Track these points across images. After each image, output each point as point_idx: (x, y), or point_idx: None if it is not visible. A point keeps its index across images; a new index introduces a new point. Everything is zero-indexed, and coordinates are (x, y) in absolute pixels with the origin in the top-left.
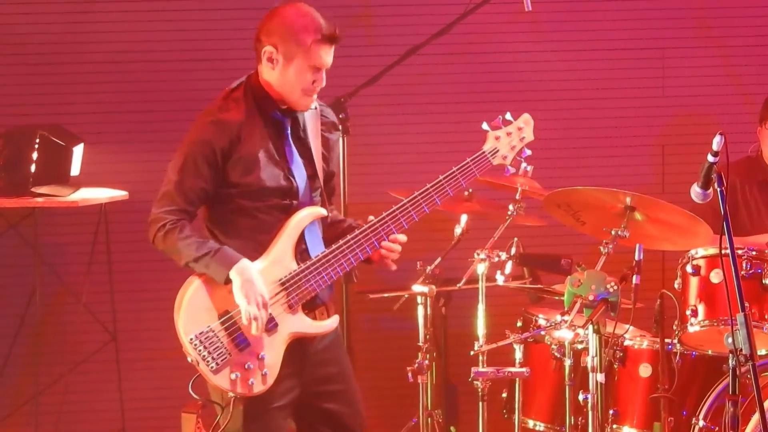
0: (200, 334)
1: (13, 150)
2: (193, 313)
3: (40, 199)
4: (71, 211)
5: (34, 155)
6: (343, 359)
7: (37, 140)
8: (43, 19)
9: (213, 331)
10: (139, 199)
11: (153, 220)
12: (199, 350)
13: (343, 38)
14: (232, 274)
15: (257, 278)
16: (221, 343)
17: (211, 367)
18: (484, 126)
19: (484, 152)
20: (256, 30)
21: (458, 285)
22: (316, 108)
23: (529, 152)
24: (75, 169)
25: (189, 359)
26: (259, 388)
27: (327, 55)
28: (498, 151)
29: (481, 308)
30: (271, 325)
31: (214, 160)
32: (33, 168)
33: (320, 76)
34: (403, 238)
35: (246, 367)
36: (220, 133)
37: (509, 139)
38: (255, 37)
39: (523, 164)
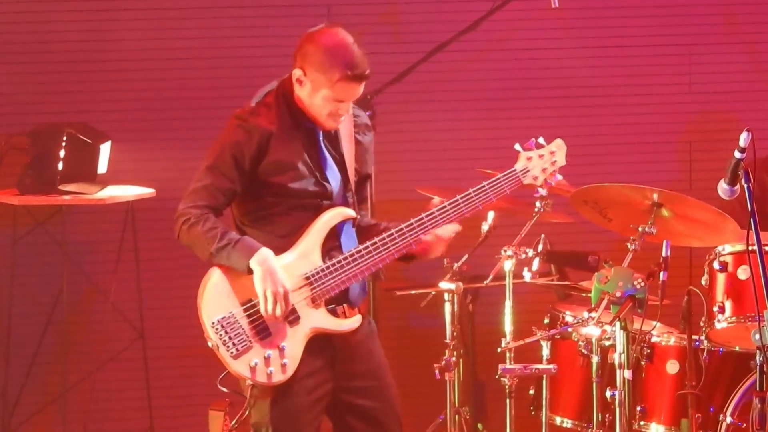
0: (222, 319)
1: (41, 148)
2: (216, 298)
3: (67, 197)
4: (99, 209)
5: (62, 153)
6: (376, 355)
7: (65, 138)
8: (70, 17)
9: (235, 317)
10: (166, 196)
11: (178, 215)
12: (221, 335)
13: (371, 75)
14: (253, 264)
15: (278, 268)
16: (243, 329)
17: (231, 353)
18: (517, 147)
19: (515, 170)
20: (298, 42)
21: (485, 282)
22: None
23: (559, 177)
24: (102, 167)
25: (209, 344)
26: (278, 377)
27: (353, 91)
28: (529, 171)
29: (508, 305)
30: (293, 318)
31: (242, 162)
32: (60, 166)
33: (345, 106)
34: (457, 228)
35: (266, 355)
36: (249, 137)
37: (541, 161)
38: (296, 47)
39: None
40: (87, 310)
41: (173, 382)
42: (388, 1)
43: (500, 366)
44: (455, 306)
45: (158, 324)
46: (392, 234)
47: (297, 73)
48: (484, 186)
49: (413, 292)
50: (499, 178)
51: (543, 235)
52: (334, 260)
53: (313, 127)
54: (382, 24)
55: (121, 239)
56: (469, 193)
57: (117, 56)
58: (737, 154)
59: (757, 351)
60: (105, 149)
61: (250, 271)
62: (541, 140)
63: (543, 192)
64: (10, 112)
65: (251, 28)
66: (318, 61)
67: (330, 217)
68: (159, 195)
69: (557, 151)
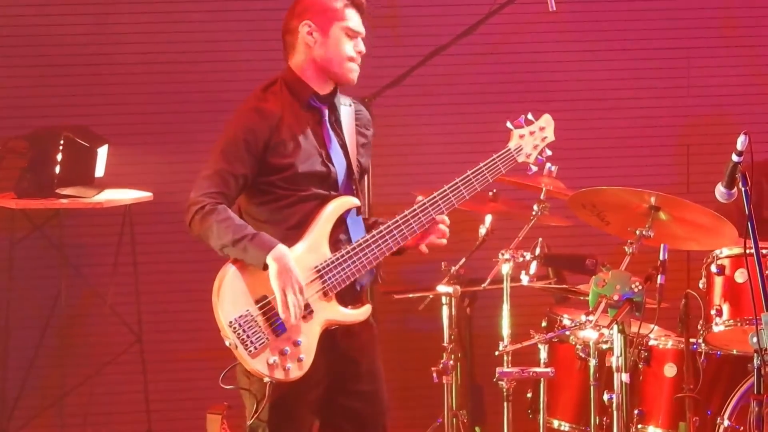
0: (239, 317)
1: (38, 151)
2: (231, 297)
3: (64, 201)
4: (96, 213)
5: (59, 156)
6: (374, 359)
7: (62, 141)
8: (68, 20)
9: (251, 315)
10: (163, 200)
11: (191, 203)
12: (239, 333)
13: (367, 8)
14: (269, 260)
15: (294, 265)
16: (259, 327)
17: (250, 351)
18: (508, 124)
19: (509, 149)
20: (283, 23)
21: (483, 285)
22: (350, 105)
23: (549, 153)
24: (100, 171)
25: (227, 343)
26: (295, 373)
27: (359, 21)
28: (522, 149)
29: (505, 308)
30: (306, 312)
31: (254, 145)
32: (58, 169)
33: (359, 42)
34: (446, 220)
35: (283, 352)
36: (260, 121)
37: (532, 138)
38: (283, 29)
39: (548, 164)
40: (85, 313)
41: (171, 385)
42: (386, 5)
43: (498, 369)
44: (453, 309)
45: (156, 327)
46: (397, 222)
47: (306, 25)
48: (481, 167)
49: (411, 295)
50: (494, 159)
51: (540, 239)
52: (343, 251)
53: (318, 107)
54: (381, 27)
55: (119, 243)
56: (468, 176)
57: (115, 60)
58: (735, 158)
59: (755, 354)
60: (102, 153)
61: (265, 267)
62: (530, 116)
63: (535, 169)
64: (8, 116)
65: (249, 32)
66: (318, 5)
67: (336, 206)
68: (156, 199)
69: (546, 127)
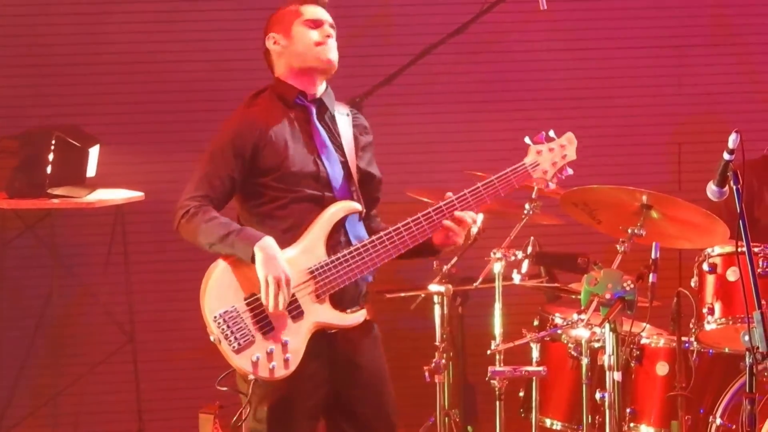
0: (224, 312)
1: (30, 151)
2: (218, 292)
3: (56, 201)
4: (88, 212)
5: (50, 156)
6: (378, 363)
7: (53, 141)
8: (60, 20)
9: (237, 311)
10: (155, 199)
11: (177, 208)
12: (222, 329)
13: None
14: (256, 249)
15: (280, 256)
16: (245, 324)
17: (233, 347)
18: (527, 140)
19: (524, 164)
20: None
21: (475, 284)
22: (348, 114)
23: (570, 171)
24: (91, 171)
25: (212, 338)
26: (280, 372)
27: (317, 11)
28: (539, 165)
29: (497, 307)
30: (296, 312)
31: (242, 149)
32: (49, 169)
33: (325, 29)
34: (474, 215)
35: (268, 350)
36: (249, 124)
37: (551, 155)
38: (263, 49)
39: None
40: (77, 313)
41: (163, 384)
42: (378, 3)
43: (490, 368)
44: (445, 308)
45: (148, 327)
46: (398, 228)
47: (270, 38)
48: (492, 180)
49: (403, 294)
50: (507, 173)
51: (532, 237)
52: (339, 254)
53: (306, 105)
54: (372, 26)
55: (111, 242)
56: (478, 188)
57: (107, 60)
58: (726, 156)
59: (747, 352)
60: (94, 153)
61: (253, 259)
62: (551, 133)
63: (552, 186)
64: (0, 115)
65: (242, 31)
66: (276, 16)
67: (334, 211)
68: (148, 198)
69: (567, 145)
